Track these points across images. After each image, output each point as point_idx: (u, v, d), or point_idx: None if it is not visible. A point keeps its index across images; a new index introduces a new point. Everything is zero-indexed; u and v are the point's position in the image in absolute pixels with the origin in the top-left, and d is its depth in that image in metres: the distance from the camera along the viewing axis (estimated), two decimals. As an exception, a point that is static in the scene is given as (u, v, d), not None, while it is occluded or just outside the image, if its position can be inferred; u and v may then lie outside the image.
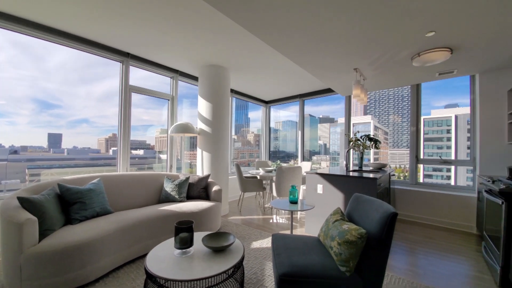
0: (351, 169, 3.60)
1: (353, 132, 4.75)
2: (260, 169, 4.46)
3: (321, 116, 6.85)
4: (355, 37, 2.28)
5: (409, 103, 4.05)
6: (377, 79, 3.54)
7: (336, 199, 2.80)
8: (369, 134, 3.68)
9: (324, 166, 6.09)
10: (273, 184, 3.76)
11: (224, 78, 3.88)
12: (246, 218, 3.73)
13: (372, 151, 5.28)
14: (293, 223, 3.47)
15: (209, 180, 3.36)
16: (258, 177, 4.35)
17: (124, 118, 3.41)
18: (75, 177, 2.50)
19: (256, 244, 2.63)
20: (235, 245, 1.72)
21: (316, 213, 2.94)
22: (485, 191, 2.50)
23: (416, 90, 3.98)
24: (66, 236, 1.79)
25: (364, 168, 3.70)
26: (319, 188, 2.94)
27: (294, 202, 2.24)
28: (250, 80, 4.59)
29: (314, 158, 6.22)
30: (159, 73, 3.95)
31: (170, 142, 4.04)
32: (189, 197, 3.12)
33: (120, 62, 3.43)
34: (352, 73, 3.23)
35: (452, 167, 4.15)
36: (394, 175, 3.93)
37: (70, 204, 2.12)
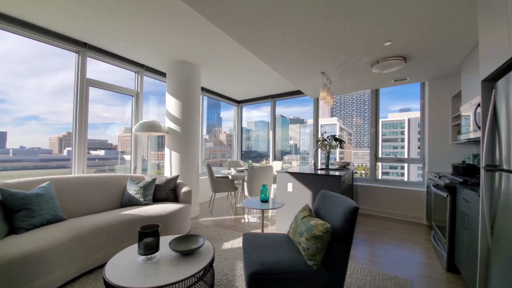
0: (319, 167, 3.77)
1: (320, 132, 4.98)
2: (231, 169, 4.42)
3: (292, 117, 7.06)
4: (322, 42, 2.39)
5: (370, 106, 4.39)
6: (342, 83, 3.77)
7: (305, 197, 2.90)
8: (335, 135, 3.89)
9: (295, 165, 6.28)
10: (245, 184, 3.76)
11: (194, 76, 3.77)
12: (218, 219, 3.66)
13: (338, 150, 5.60)
14: (265, 222, 3.51)
15: (178, 181, 3.22)
16: (230, 177, 4.31)
17: (81, 114, 3.10)
18: (20, 180, 2.18)
19: (227, 245, 2.60)
20: (205, 247, 1.68)
21: (286, 211, 3.02)
22: (433, 185, 2.81)
23: (376, 95, 4.33)
24: (10, 248, 1.56)
25: (330, 167, 3.90)
26: (289, 187, 3.02)
27: (265, 201, 2.27)
28: (222, 79, 4.53)
29: (286, 157, 6.39)
30: (122, 66, 3.67)
31: (135, 141, 3.79)
32: (156, 200, 2.95)
33: (76, 53, 3.11)
34: (319, 76, 3.39)
35: (406, 165, 4.60)
36: (356, 172, 4.22)
37: (15, 212, 1.85)
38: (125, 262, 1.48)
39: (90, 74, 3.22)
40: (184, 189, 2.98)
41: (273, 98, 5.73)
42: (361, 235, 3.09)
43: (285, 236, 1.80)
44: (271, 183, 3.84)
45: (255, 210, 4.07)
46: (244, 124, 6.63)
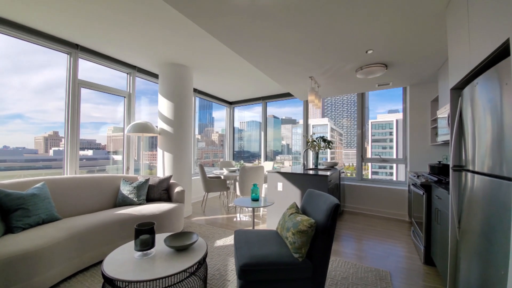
0: (308, 167, 3.92)
1: (310, 134, 5.15)
2: (224, 169, 4.52)
3: (284, 118, 7.19)
4: (310, 50, 2.54)
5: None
6: (329, 87, 3.94)
7: (294, 195, 3.04)
8: (323, 136, 4.06)
9: (287, 165, 6.43)
10: (237, 184, 3.86)
11: (186, 78, 3.84)
12: (210, 218, 3.75)
13: (329, 151, 5.79)
14: (256, 220, 3.63)
15: (171, 181, 3.29)
16: (222, 177, 4.40)
17: (72, 115, 3.11)
18: (15, 181, 2.21)
19: (219, 242, 2.70)
20: (198, 243, 1.78)
21: (276, 209, 3.14)
22: (412, 184, 3.01)
23: (362, 98, 4.53)
24: (8, 246, 1.61)
25: (319, 167, 4.07)
26: (279, 186, 3.15)
27: (255, 199, 2.39)
28: (214, 81, 4.62)
29: (278, 157, 6.51)
30: (114, 68, 3.70)
31: (127, 142, 3.82)
32: (150, 200, 3.02)
33: (68, 54, 3.12)
34: (308, 81, 3.54)
35: (394, 165, 4.83)
36: (343, 172, 4.40)
37: (11, 211, 1.89)
38: (122, 258, 1.56)
39: (80, 71, 3.21)
40: (177, 189, 3.06)
41: (264, 99, 5.86)
42: (348, 232, 3.26)
43: (274, 232, 1.92)
44: (262, 182, 3.96)
45: (246, 209, 4.18)
46: (236, 124, 6.70)
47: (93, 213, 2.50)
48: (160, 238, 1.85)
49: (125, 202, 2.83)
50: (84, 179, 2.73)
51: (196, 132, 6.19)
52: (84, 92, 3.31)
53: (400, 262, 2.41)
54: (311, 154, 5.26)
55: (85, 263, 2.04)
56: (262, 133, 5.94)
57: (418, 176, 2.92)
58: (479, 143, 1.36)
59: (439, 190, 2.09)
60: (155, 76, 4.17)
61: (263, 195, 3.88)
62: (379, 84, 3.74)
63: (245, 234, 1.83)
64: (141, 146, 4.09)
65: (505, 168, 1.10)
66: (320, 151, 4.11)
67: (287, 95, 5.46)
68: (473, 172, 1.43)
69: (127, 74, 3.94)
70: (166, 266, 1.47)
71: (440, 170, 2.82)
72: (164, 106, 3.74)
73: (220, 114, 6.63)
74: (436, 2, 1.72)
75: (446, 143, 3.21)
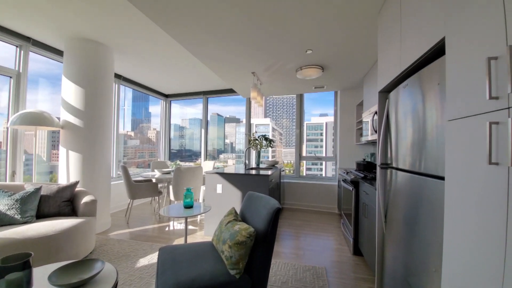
0: (251, 166, 3.80)
1: (252, 132, 5.08)
2: (155, 170, 3.93)
3: (228, 116, 6.96)
4: (252, 43, 2.38)
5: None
6: (272, 85, 3.92)
7: (234, 198, 2.84)
8: (265, 135, 4.01)
9: (231, 164, 6.22)
10: (170, 187, 3.39)
11: (105, 59, 3.11)
12: (136, 230, 3.16)
13: (270, 149, 5.86)
14: (193, 227, 3.25)
15: (78, 189, 2.58)
16: (154, 180, 3.82)
17: None
18: None
19: (143, 261, 2.23)
20: (105, 272, 1.34)
21: (215, 214, 2.87)
22: (342, 180, 3.25)
23: (300, 99, 4.73)
24: None
25: (261, 166, 4.00)
26: (219, 188, 2.88)
27: (189, 206, 2.05)
28: (145, 68, 3.95)
29: (222, 156, 6.25)
30: (-10, 35, 2.67)
31: (12, 138, 2.82)
32: (43, 216, 2.26)
33: None
34: (250, 76, 3.40)
35: (324, 162, 5.24)
36: (284, 170, 4.50)
37: None
38: (-37, 318, 1.00)
39: None
40: (85, 199, 2.40)
41: (206, 94, 5.46)
42: (287, 229, 3.28)
43: (209, 244, 1.65)
44: (201, 184, 3.61)
45: (182, 215, 3.74)
46: (178, 121, 6.12)
47: None
48: (45, 273, 1.32)
49: (2, 221, 2.02)
50: None
51: (128, 128, 5.29)
52: None
53: (333, 255, 2.51)
54: (253, 152, 5.20)
55: None
56: (203, 131, 5.53)
57: (347, 173, 3.17)
58: (401, 143, 1.46)
59: (366, 186, 2.25)
60: (59, 53, 3.24)
61: (201, 198, 3.54)
62: (316, 86, 3.94)
63: (172, 252, 1.49)
64: (35, 144, 3.10)
65: (423, 165, 1.18)
66: (262, 149, 4.06)
67: (230, 91, 5.22)
68: (397, 169, 1.53)
69: (17, 47, 2.91)
70: (46, 317, 1.01)
71: (365, 167, 3.12)
72: (71, 92, 2.92)
73: (158, 109, 5.86)
74: (369, 6, 1.79)
75: (369, 143, 3.61)
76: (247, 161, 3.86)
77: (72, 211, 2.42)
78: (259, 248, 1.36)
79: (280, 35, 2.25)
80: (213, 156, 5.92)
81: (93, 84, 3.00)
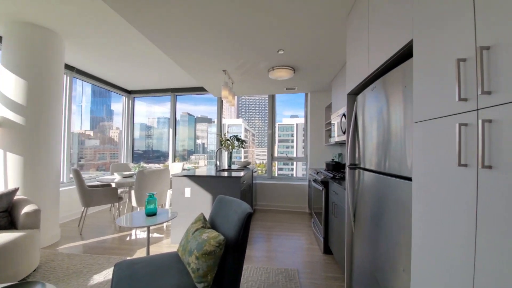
0: (222, 168, 3.67)
1: (224, 132, 4.94)
2: (115, 174, 3.56)
3: (199, 116, 6.73)
4: (223, 38, 2.27)
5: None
6: (243, 85, 3.84)
7: (204, 202, 2.69)
8: (237, 135, 3.92)
9: (202, 165, 5.99)
10: (132, 192, 3.09)
11: (52, 47, 2.71)
12: (91, 241, 2.81)
13: (243, 150, 5.79)
14: (159, 235, 3.01)
15: (17, 197, 2.20)
16: (114, 184, 3.46)
17: None
18: None
19: (98, 278, 1.97)
20: (44, 298, 1.12)
21: (183, 220, 2.68)
22: (313, 180, 3.31)
23: (272, 100, 4.74)
24: None
25: (233, 167, 3.90)
26: (187, 192, 2.71)
27: (151, 214, 1.86)
28: (103, 60, 3.57)
29: (193, 157, 6.00)
30: None
31: None
32: (-34, 231, 1.86)
33: None
34: (221, 74, 3.28)
35: (295, 162, 5.33)
36: (256, 171, 4.46)
37: None
38: None
39: None
40: (27, 209, 2.04)
41: (174, 92, 5.16)
42: (259, 231, 3.22)
43: (174, 255, 1.50)
44: (168, 188, 3.37)
45: (147, 222, 3.44)
46: (144, 120, 5.71)
47: None
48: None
49: None
50: None
51: (87, 127, 4.77)
52: None
53: (305, 255, 2.53)
54: (225, 153, 5.06)
55: None
56: (171, 130, 5.21)
57: (317, 173, 3.24)
58: (368, 144, 1.50)
59: (336, 186, 2.30)
60: (-7, 37, 2.74)
61: (167, 204, 3.30)
62: (287, 87, 3.97)
63: (130, 267, 1.31)
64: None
65: (388, 166, 1.21)
66: (234, 150, 3.96)
67: (201, 89, 5.00)
68: (364, 169, 1.57)
69: None
70: None
71: (333, 167, 3.22)
72: (11, 84, 2.49)
73: (121, 106, 5.38)
74: (338, 8, 1.82)
75: (337, 144, 3.74)
76: (218, 163, 3.72)
77: (10, 224, 2.05)
78: (229, 257, 1.27)
79: (253, 34, 2.19)
80: (184, 157, 5.64)
81: (38, 75, 2.60)
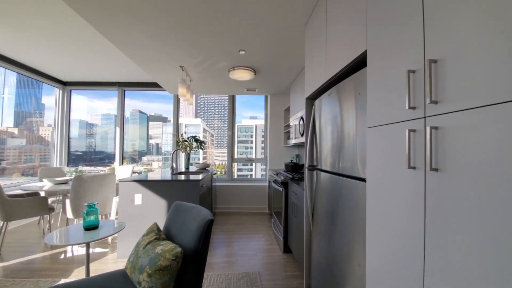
0: (179, 170, 3.43)
1: (181, 133, 4.66)
2: (45, 180, 2.99)
3: (153, 114, 6.18)
4: (181, 32, 2.12)
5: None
6: (202, 83, 3.68)
7: (158, 209, 2.46)
8: (195, 136, 3.74)
9: (157, 167, 5.52)
10: (67, 202, 2.64)
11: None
12: (14, 263, 2.28)
13: (201, 151, 5.56)
14: (103, 250, 2.63)
15: None
16: (43, 193, 2.90)
17: None
18: None
19: (18, 310, 1.60)
20: None
21: (133, 231, 2.39)
22: (273, 181, 3.37)
23: (232, 101, 4.68)
24: None
25: (191, 169, 3.69)
26: (138, 199, 2.43)
27: (92, 227, 1.59)
28: (32, 45, 2.96)
29: (145, 159, 5.48)
30: None
31: None
32: None
33: None
34: (178, 70, 3.07)
35: (254, 163, 5.37)
36: (215, 173, 4.33)
37: None
38: None
39: None
40: None
41: (122, 86, 4.62)
42: (219, 235, 3.12)
43: (121, 273, 1.31)
44: (113, 195, 2.98)
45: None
46: (85, 117, 5.02)
47: None
48: None
49: None
50: None
51: (9, 123, 3.95)
52: None
53: (265, 257, 2.54)
54: (182, 155, 4.77)
55: None
56: (118, 129, 4.66)
57: (277, 174, 3.31)
58: (324, 146, 1.58)
59: (295, 187, 2.37)
60: None
61: (113, 213, 2.92)
62: (248, 89, 3.97)
63: (63, 296, 1.09)
64: None
65: (341, 167, 1.29)
66: (192, 151, 3.75)
67: (155, 85, 4.59)
68: (321, 170, 1.64)
69: None
70: None
71: (292, 168, 3.34)
72: None
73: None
74: (297, 17, 1.87)
75: (295, 145, 3.90)
76: (174, 165, 3.47)
77: None
78: (188, 270, 1.16)
79: (214, 32, 2.10)
80: (134, 158, 5.12)
81: None
